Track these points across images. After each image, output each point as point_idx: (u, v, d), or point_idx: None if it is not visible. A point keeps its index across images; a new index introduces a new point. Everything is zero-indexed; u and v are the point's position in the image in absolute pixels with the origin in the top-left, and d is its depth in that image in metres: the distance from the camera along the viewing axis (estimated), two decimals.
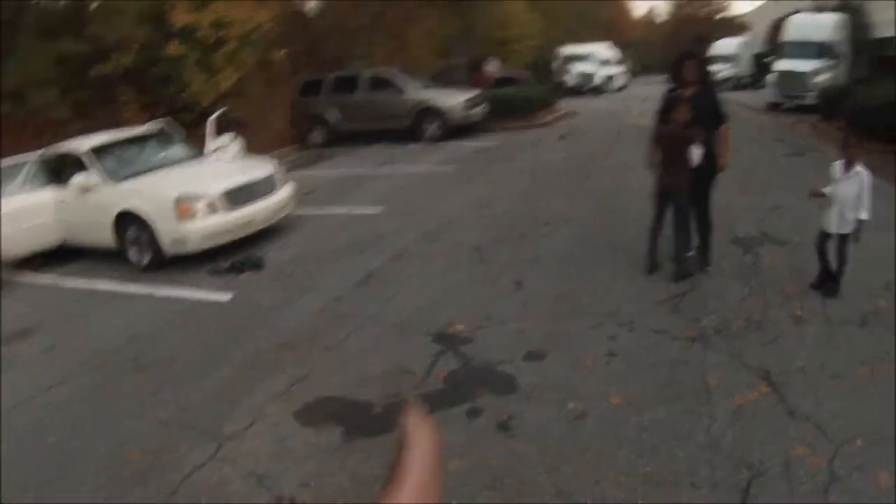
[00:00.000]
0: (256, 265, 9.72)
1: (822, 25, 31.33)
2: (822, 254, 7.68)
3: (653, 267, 8.48)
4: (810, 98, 27.20)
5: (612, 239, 10.01)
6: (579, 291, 8.07)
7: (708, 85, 8.59)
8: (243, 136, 16.16)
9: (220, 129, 15.27)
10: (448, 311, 7.64)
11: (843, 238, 7.45)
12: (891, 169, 14.10)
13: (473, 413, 5.54)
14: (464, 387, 5.96)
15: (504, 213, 11.95)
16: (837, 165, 7.40)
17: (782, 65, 29.69)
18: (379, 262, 9.55)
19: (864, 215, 7.28)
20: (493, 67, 36.61)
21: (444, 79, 29.27)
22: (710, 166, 8.22)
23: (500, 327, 7.19)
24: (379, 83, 22.97)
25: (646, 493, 4.51)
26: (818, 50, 29.99)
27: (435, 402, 5.72)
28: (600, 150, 19.14)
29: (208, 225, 9.95)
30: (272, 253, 10.36)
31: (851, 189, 7.26)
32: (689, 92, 8.17)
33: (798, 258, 8.79)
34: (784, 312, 7.24)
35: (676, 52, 10.21)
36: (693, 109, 7.90)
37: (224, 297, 8.71)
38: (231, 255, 10.10)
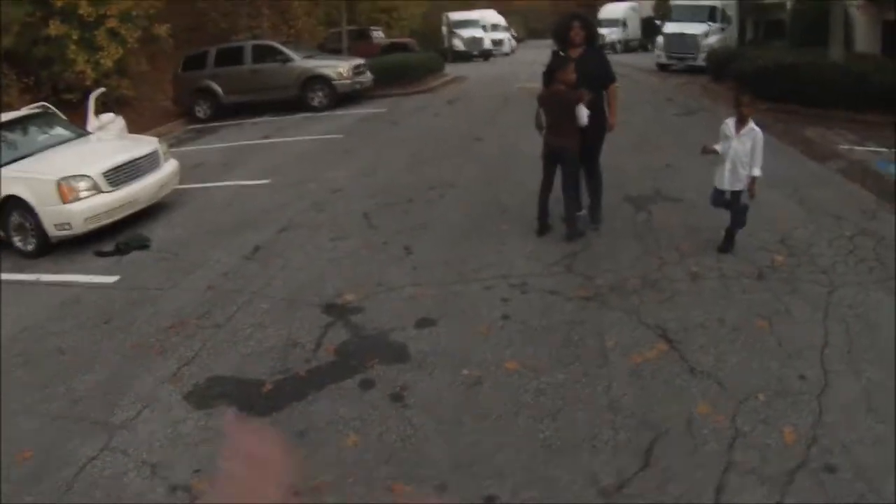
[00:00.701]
0: (142, 245, 9.21)
1: None
2: (716, 206, 7.77)
3: (544, 228, 8.38)
4: (700, 60, 27.87)
5: (502, 202, 9.89)
6: (470, 256, 7.88)
7: (595, 46, 8.55)
8: (126, 115, 15.54)
9: (102, 108, 14.65)
10: (337, 282, 7.36)
11: (735, 194, 7.51)
12: (778, 127, 14.43)
13: (366, 385, 5.30)
14: (355, 358, 5.70)
15: (391, 180, 11.72)
16: (729, 123, 7.45)
17: (671, 27, 30.27)
18: (266, 235, 9.16)
19: (756, 172, 7.35)
20: (379, 34, 36.41)
21: (330, 48, 28.93)
22: (599, 126, 8.18)
23: (390, 295, 6.95)
24: (264, 54, 22.43)
25: (547, 458, 4.37)
26: (708, 13, 30.79)
27: (326, 376, 5.47)
28: (487, 114, 19.14)
29: (92, 206, 9.41)
30: (158, 231, 9.85)
31: (744, 146, 7.33)
32: (576, 53, 8.11)
33: (691, 215, 8.89)
34: (680, 269, 7.25)
35: (563, 15, 10.20)
36: (580, 70, 7.83)
37: (110, 279, 8.19)
38: (117, 236, 9.58)
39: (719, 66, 23.63)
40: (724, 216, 7.72)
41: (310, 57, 23.18)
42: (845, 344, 5.59)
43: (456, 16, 48.99)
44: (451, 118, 18.95)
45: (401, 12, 43.46)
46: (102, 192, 9.58)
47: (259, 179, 12.49)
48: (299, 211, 10.21)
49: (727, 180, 7.47)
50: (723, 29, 31.28)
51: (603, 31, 47.44)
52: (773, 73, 18.22)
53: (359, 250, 8.35)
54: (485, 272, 7.36)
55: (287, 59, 22.13)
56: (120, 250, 9.10)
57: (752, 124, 7.36)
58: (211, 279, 7.78)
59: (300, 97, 21.90)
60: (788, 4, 32.08)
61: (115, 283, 8.06)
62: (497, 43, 50.08)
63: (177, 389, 5.53)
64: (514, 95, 22.32)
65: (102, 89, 15.86)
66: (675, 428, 4.59)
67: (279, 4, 28.69)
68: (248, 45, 22.99)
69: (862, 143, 13.58)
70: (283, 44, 23.30)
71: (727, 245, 7.69)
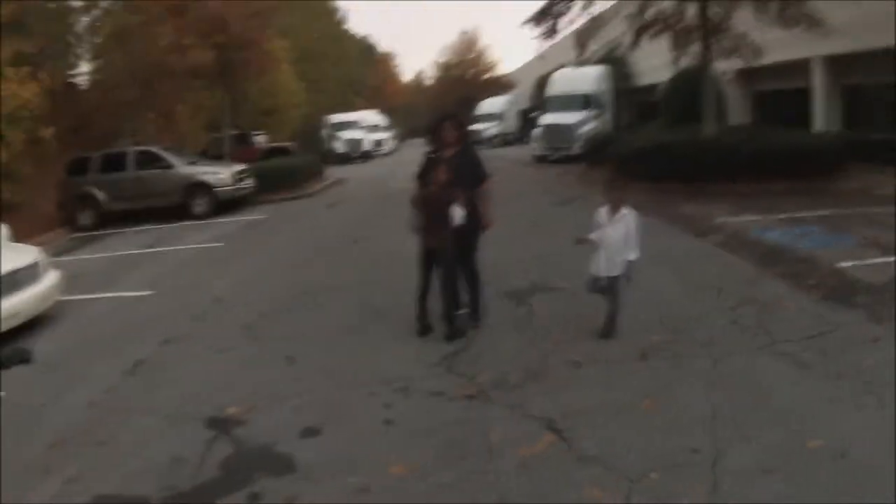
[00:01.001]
0: (24, 359, 8.98)
1: (586, 78, 33.32)
2: (602, 294, 7.91)
3: (424, 329, 8.45)
4: (576, 148, 28.61)
5: (382, 305, 9.98)
6: (352, 362, 7.91)
7: (467, 144, 8.74)
8: (10, 220, 15.17)
9: None
10: (220, 395, 7.23)
11: (612, 280, 7.71)
12: (657, 206, 14.93)
13: (253, 498, 5.20)
14: (240, 472, 5.60)
15: (271, 288, 11.74)
16: (602, 211, 7.70)
17: (548, 118, 31.04)
18: (148, 348, 9.00)
19: (632, 255, 7.62)
20: (260, 139, 36.50)
21: (212, 152, 28.94)
22: (475, 224, 8.34)
23: (273, 406, 6.87)
24: (147, 160, 22.41)
25: None
26: (582, 102, 31.73)
27: (212, 491, 5.35)
28: (367, 216, 19.57)
29: None
30: (39, 344, 9.54)
31: (618, 232, 7.55)
32: (449, 153, 8.28)
33: (571, 305, 9.12)
34: (561, 359, 7.40)
35: (435, 114, 10.46)
36: (453, 169, 8.00)
37: None
38: None
39: (595, 153, 24.42)
40: (603, 302, 7.93)
41: (192, 163, 23.22)
42: (732, 412, 5.80)
43: (336, 118, 49.64)
44: (332, 222, 19.28)
45: (282, 115, 43.71)
46: None
47: (141, 290, 12.33)
48: (181, 322, 10.08)
49: (603, 267, 7.68)
50: (598, 116, 32.13)
51: (480, 126, 48.78)
52: (649, 153, 18.92)
53: (241, 362, 8.27)
54: (367, 377, 7.37)
55: (169, 166, 22.11)
56: (2, 364, 8.84)
57: (624, 210, 7.60)
58: (93, 395, 7.57)
59: (183, 204, 21.79)
60: (660, 86, 33.17)
61: None
62: (377, 143, 50.72)
63: None
64: (393, 195, 22.57)
65: None
66: None
67: (163, 108, 28.63)
68: (132, 150, 22.86)
69: (738, 214, 14.25)
70: (166, 150, 23.26)
71: (609, 330, 7.87)
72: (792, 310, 8.33)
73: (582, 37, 23.15)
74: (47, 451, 6.35)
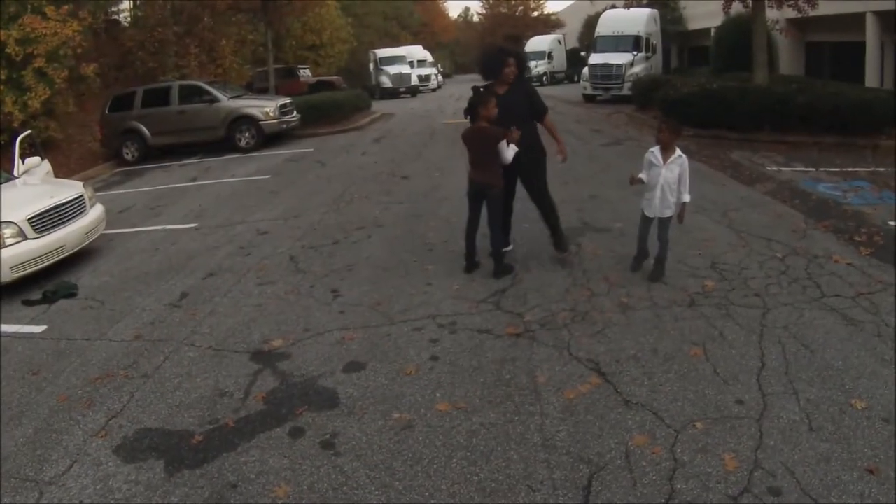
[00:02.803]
0: (70, 293, 8.92)
1: (636, 19, 32.93)
2: (642, 237, 7.97)
3: (471, 266, 8.36)
4: (625, 89, 28.36)
5: (428, 241, 9.90)
6: (397, 297, 7.82)
7: (521, 80, 8.46)
8: (53, 157, 15.18)
9: (28, 151, 14.29)
10: (264, 328, 7.22)
11: (663, 222, 7.70)
12: (706, 152, 14.68)
13: (296, 433, 5.16)
14: (284, 406, 5.57)
15: (317, 222, 11.64)
16: (655, 152, 7.59)
17: (597, 58, 30.69)
18: (193, 281, 8.99)
19: (686, 197, 7.60)
20: (306, 73, 36.34)
21: (257, 87, 28.84)
22: (536, 158, 8.27)
23: (317, 340, 6.81)
24: (191, 94, 22.26)
25: (482, 502, 4.31)
26: (632, 43, 31.51)
27: (255, 425, 5.33)
28: (414, 151, 19.32)
29: (18, 254, 9.08)
30: (85, 278, 9.57)
31: (672, 173, 7.51)
32: (501, 88, 8.09)
33: (619, 245, 9.02)
34: (610, 300, 7.30)
35: (487, 48, 10.21)
36: (505, 106, 7.81)
37: (37, 329, 7.89)
38: (44, 284, 9.25)
39: (645, 95, 24.18)
40: (652, 244, 7.90)
41: (237, 97, 23.07)
42: (781, 365, 5.68)
43: (382, 52, 49.18)
44: (378, 156, 18.97)
45: (328, 50, 43.46)
46: (28, 238, 9.30)
47: (186, 223, 12.32)
48: (226, 255, 10.05)
49: (657, 207, 7.63)
50: (647, 58, 31.91)
51: (529, 63, 48.21)
52: (698, 99, 18.66)
53: (286, 295, 8.19)
54: (413, 313, 7.30)
55: (214, 100, 21.98)
56: (47, 299, 8.79)
57: (678, 152, 7.52)
58: (138, 328, 7.56)
59: (228, 137, 21.74)
60: (712, 31, 32.71)
61: (42, 332, 7.77)
62: (424, 79, 50.38)
63: (106, 443, 5.33)
64: (441, 131, 22.69)
65: (29, 131, 15.51)
66: (613, 462, 4.56)
67: (206, 44, 28.52)
68: (175, 85, 22.76)
69: (788, 164, 14.04)
70: (210, 83, 23.15)
71: (657, 273, 7.80)
72: (841, 265, 8.11)
73: None
74: (91, 384, 6.34)
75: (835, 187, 12.11)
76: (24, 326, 8.07)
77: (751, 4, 21.02)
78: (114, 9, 29.36)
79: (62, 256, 9.85)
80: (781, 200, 11.12)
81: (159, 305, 8.23)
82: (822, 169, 13.65)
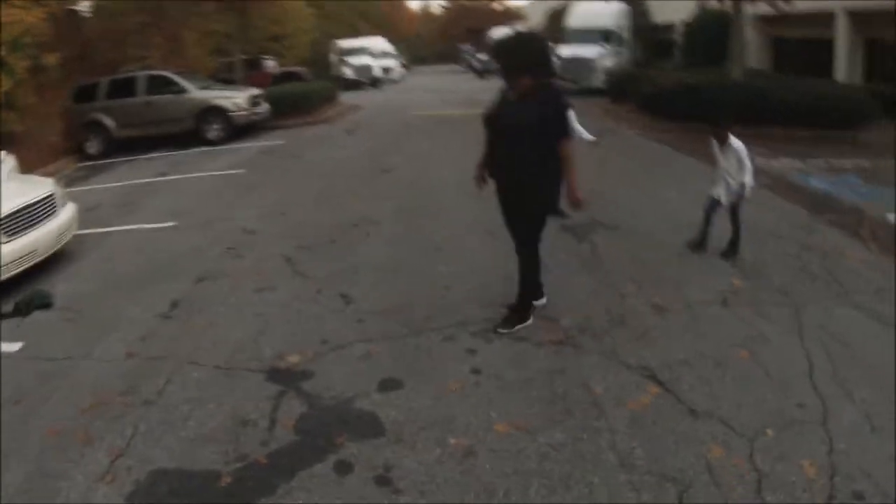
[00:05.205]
0: (45, 303, 7.97)
1: (605, 13, 32.99)
2: (707, 218, 8.37)
3: None
4: (596, 82, 28.30)
5: (432, 239, 9.28)
6: (416, 302, 7.15)
7: (550, 92, 6.21)
8: (14, 152, 14.17)
9: None
10: (274, 341, 6.45)
11: (733, 206, 8.22)
12: (689, 146, 14.51)
13: (342, 468, 4.47)
14: (320, 435, 4.85)
15: (305, 219, 10.95)
16: (714, 144, 8.25)
17: (566, 51, 30.69)
18: (182, 286, 8.17)
19: (748, 179, 8.02)
20: (272, 64, 35.81)
21: (222, 78, 28.11)
22: (522, 198, 6.31)
23: (339, 354, 6.11)
24: (158, 85, 21.38)
25: None
26: (602, 36, 31.84)
27: (292, 460, 4.60)
28: (390, 144, 18.76)
29: None
30: (60, 286, 8.60)
31: (730, 161, 8.08)
32: (519, 96, 6.13)
33: (632, 243, 8.81)
34: (642, 302, 6.97)
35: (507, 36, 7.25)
36: (503, 118, 6.18)
37: (12, 347, 6.92)
38: (15, 294, 8.24)
39: (619, 88, 24.61)
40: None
41: (205, 88, 22.25)
42: (829, 366, 5.58)
43: (346, 44, 48.66)
44: (354, 149, 18.36)
45: (291, 41, 42.76)
46: None
47: (164, 222, 11.40)
48: (214, 257, 9.30)
49: (724, 192, 8.19)
50: (617, 51, 31.96)
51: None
52: (676, 93, 18.96)
53: (291, 302, 7.47)
54: (438, 320, 6.66)
55: (182, 91, 21.17)
56: (20, 311, 7.88)
57: (730, 141, 8.05)
58: (129, 344, 6.68)
59: (196, 130, 20.92)
60: (678, 26, 32.90)
61: (18, 351, 6.84)
62: (387, 70, 49.78)
63: (114, 490, 4.48)
64: (413, 123, 22.31)
65: None
66: (698, 478, 4.27)
67: (170, 34, 27.71)
68: (142, 75, 21.85)
69: (775, 158, 13.95)
70: (178, 74, 22.27)
71: (733, 251, 8.25)
72: (855, 260, 8.18)
73: None
74: (85, 413, 5.48)
75: (826, 181, 12.29)
76: None
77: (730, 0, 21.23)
78: None
79: (34, 262, 8.95)
80: (779, 195, 11.08)
81: (149, 316, 7.38)
82: (810, 162, 13.78)
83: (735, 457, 4.43)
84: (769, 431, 4.67)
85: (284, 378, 5.75)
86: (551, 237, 8.26)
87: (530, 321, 6.45)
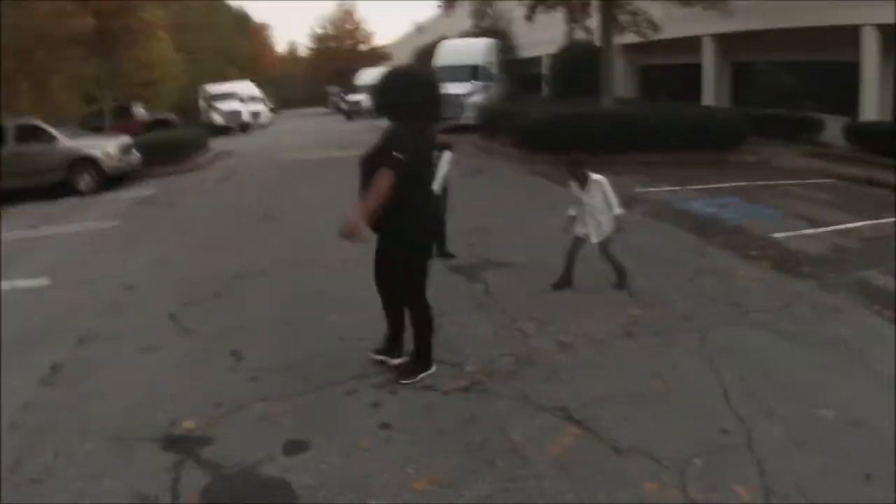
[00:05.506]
0: None
1: (474, 49, 34.27)
2: (572, 259, 8.34)
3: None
4: (467, 119, 28.59)
5: (320, 288, 9.05)
6: (311, 356, 6.82)
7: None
8: None
9: None
10: (168, 406, 5.96)
11: (605, 241, 8.22)
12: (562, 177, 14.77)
13: None
14: None
15: (188, 272, 10.46)
16: (573, 186, 8.29)
17: None
18: (61, 350, 7.57)
19: (617, 210, 8.12)
20: (141, 111, 35.23)
21: (91, 126, 27.41)
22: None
23: (237, 416, 5.71)
24: (28, 134, 20.58)
25: None
26: (470, 73, 32.24)
27: None
28: (266, 190, 18.58)
29: None
30: None
31: (595, 198, 8.09)
32: None
33: (524, 279, 8.82)
34: (546, 340, 6.89)
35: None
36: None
37: None
38: None
39: (489, 123, 25.48)
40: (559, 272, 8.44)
41: (76, 136, 21.63)
42: (742, 387, 5.68)
43: (214, 89, 47.99)
44: (231, 197, 18.12)
45: (159, 86, 41.99)
46: None
47: (37, 279, 10.75)
48: (92, 316, 8.76)
49: (594, 232, 8.16)
50: (486, 87, 32.37)
51: (358, 96, 48.81)
52: (551, 125, 19.48)
53: (179, 361, 7.04)
54: (336, 374, 6.33)
55: (53, 140, 20.47)
56: None
57: (592, 177, 8.16)
58: (10, 415, 6.07)
59: (67, 180, 20.21)
60: (545, 59, 33.70)
61: None
62: (255, 115, 49.38)
63: None
64: (285, 168, 22.35)
65: None
66: None
67: (38, 80, 26.91)
68: (11, 125, 20.88)
69: (653, 185, 14.56)
70: (47, 123, 21.40)
71: (622, 283, 8.33)
72: (749, 280, 8.56)
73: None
74: None
75: (708, 204, 12.75)
76: None
77: (600, 33, 22.55)
78: None
79: None
80: (662, 221, 11.47)
81: (29, 383, 6.77)
82: (688, 187, 14.23)
83: (668, 490, 4.36)
84: (697, 461, 4.63)
85: (182, 446, 5.32)
86: (444, 279, 8.22)
87: (434, 368, 6.25)
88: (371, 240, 5.99)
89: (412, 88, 6.06)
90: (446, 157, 8.86)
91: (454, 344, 6.79)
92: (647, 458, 4.72)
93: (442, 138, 6.57)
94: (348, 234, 5.71)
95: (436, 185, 6.40)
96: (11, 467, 5.23)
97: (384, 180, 5.53)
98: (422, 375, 6.16)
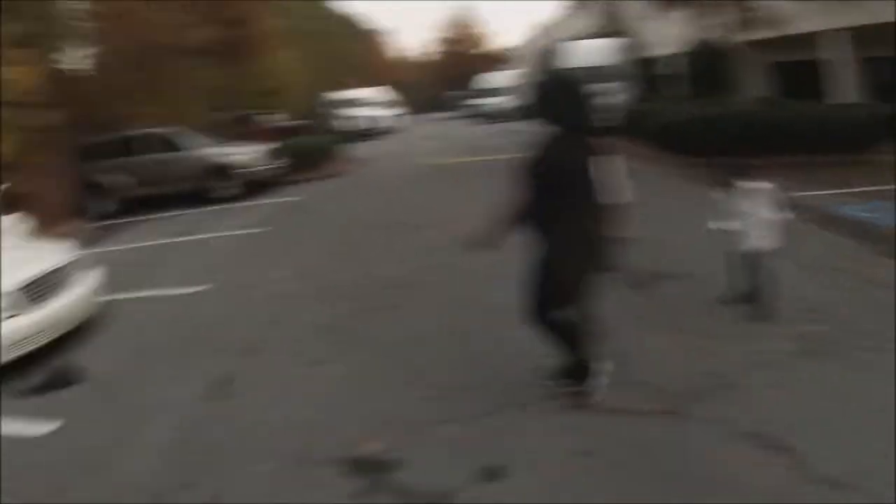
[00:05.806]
0: (73, 380, 7.32)
1: (608, 50, 33.09)
2: (753, 271, 7.36)
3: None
4: (614, 121, 28.01)
5: (487, 300, 8.37)
6: (487, 372, 6.47)
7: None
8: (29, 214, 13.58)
9: (5, 208, 12.66)
10: (347, 424, 5.73)
11: (759, 253, 7.29)
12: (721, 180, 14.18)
13: None
14: None
15: (342, 282, 10.18)
16: (731, 193, 7.46)
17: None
18: (225, 361, 7.45)
19: (787, 215, 7.55)
20: (275, 118, 35.58)
21: (223, 134, 27.85)
22: None
23: (426, 436, 5.40)
24: (167, 143, 21.04)
25: None
26: (606, 73, 30.83)
27: None
28: (411, 197, 18.15)
29: (9, 330, 7.56)
30: (90, 359, 7.91)
31: (758, 207, 7.29)
32: None
33: (697, 292, 8.26)
34: (736, 358, 6.33)
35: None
36: None
37: (44, 428, 6.24)
38: (39, 367, 7.65)
39: (633, 125, 24.36)
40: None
41: (213, 145, 21.83)
42: None
43: (345, 95, 48.21)
44: (375, 203, 17.85)
45: (285, 94, 42.55)
46: (20, 311, 7.79)
47: (194, 286, 10.70)
48: (256, 325, 8.64)
49: (754, 242, 7.27)
50: (626, 88, 31.69)
51: (481, 100, 48.77)
52: (693, 126, 18.81)
53: (349, 377, 6.77)
54: (520, 394, 5.92)
55: (190, 148, 20.84)
56: (48, 387, 7.25)
57: (756, 185, 7.40)
58: (177, 429, 5.99)
59: (207, 187, 20.55)
60: (663, 60, 34.28)
61: (53, 433, 6.18)
62: (388, 120, 49.50)
63: None
64: (426, 174, 21.85)
65: (8, 184, 13.90)
66: None
67: (168, 90, 27.40)
68: (150, 133, 21.54)
69: (804, 189, 13.33)
70: (186, 132, 21.91)
71: (767, 311, 7.26)
72: None
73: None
74: None
75: (861, 209, 11.75)
76: (27, 424, 6.43)
77: (727, 30, 22.55)
78: (71, 56, 27.89)
79: (61, 332, 8.34)
80: (822, 227, 10.73)
81: (194, 396, 6.65)
82: (839, 191, 13.31)
83: None
84: None
85: (369, 469, 5.03)
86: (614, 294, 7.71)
87: (599, 379, 5.82)
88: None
89: (569, 93, 5.92)
90: (615, 162, 8.00)
91: (640, 365, 6.31)
92: (850, 489, 4.27)
93: (602, 143, 5.93)
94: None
95: (612, 195, 5.79)
96: (184, 485, 5.07)
97: (534, 189, 5.56)
98: (589, 387, 5.77)
